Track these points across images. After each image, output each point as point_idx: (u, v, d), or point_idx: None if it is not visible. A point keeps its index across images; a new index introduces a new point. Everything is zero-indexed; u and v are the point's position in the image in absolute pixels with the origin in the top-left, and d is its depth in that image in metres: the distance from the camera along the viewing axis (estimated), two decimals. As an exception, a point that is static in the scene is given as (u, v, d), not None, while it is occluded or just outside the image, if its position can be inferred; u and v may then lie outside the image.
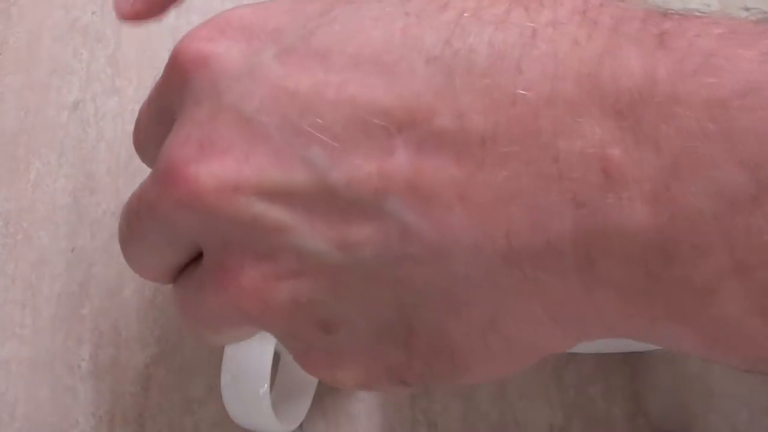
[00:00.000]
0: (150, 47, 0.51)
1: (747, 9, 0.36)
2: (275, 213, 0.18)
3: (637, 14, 0.17)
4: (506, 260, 0.16)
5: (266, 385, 0.32)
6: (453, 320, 0.18)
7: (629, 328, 0.17)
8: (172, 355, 0.42)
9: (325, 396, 0.40)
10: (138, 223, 0.22)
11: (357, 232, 0.18)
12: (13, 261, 0.45)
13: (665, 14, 0.17)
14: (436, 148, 0.17)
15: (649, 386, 0.39)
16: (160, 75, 0.22)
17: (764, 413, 0.38)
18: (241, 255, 0.19)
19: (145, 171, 0.48)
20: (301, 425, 0.39)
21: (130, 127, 0.48)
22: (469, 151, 0.16)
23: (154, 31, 0.51)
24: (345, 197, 0.17)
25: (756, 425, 0.38)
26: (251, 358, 0.32)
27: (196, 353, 0.42)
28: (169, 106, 0.21)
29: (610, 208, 0.15)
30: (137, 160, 0.47)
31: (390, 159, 0.17)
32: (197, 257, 0.21)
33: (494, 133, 0.16)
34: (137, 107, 0.49)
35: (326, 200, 0.18)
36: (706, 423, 0.38)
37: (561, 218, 0.16)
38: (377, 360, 0.19)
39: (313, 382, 0.39)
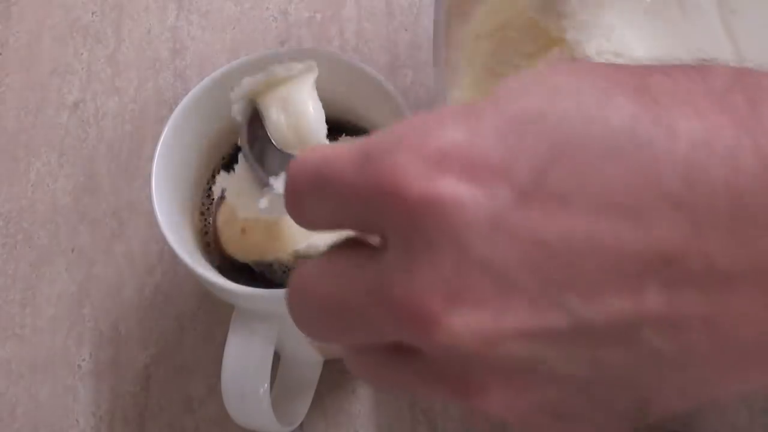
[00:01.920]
0: (150, 47, 0.51)
1: None
2: (532, 350, 0.19)
3: None
4: (735, 368, 0.20)
5: (266, 385, 0.32)
6: (680, 400, 0.21)
7: None
8: (172, 355, 0.42)
9: (325, 396, 0.40)
10: (339, 322, 0.21)
11: (609, 355, 0.19)
12: (13, 261, 0.45)
13: None
14: (686, 285, 0.18)
15: (649, 386, 0.39)
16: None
17: (764, 413, 0.38)
18: (489, 379, 0.20)
19: (145, 172, 0.48)
20: (301, 425, 0.39)
21: (130, 127, 0.48)
22: (715, 287, 0.18)
23: (154, 31, 0.51)
24: (600, 331, 0.19)
25: (756, 425, 0.38)
26: (251, 358, 0.32)
27: (196, 353, 0.42)
28: (366, 222, 0.21)
29: None
30: (137, 160, 0.47)
31: (642, 297, 0.18)
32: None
33: (737, 273, 0.18)
34: (137, 107, 0.49)
35: (582, 335, 0.19)
36: (706, 423, 0.38)
37: None
38: (603, 429, 0.22)
39: (313, 382, 0.39)
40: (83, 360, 0.42)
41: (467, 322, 0.19)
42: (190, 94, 0.35)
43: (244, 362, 0.32)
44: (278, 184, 0.31)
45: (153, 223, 0.33)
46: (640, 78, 0.20)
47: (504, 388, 0.20)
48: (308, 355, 0.39)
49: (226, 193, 0.34)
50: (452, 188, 0.19)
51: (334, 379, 0.40)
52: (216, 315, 0.42)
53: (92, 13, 0.52)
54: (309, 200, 0.21)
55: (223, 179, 0.33)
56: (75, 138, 0.48)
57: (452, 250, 0.19)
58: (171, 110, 0.36)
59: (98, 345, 0.42)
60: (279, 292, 0.31)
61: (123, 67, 0.50)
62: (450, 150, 0.19)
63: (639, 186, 0.18)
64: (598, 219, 0.18)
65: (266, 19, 0.51)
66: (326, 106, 0.38)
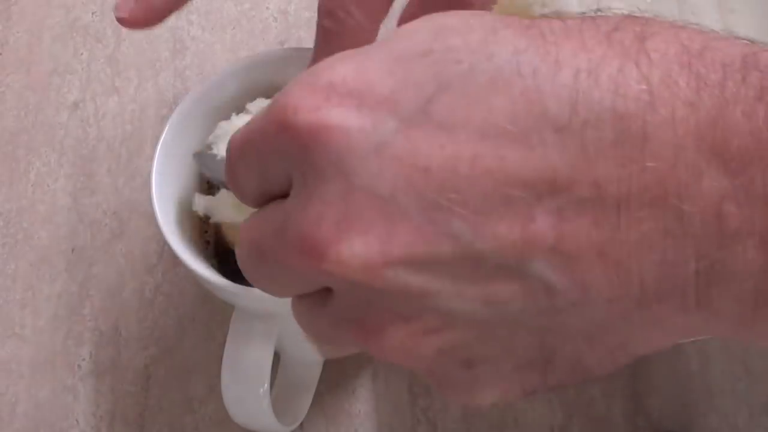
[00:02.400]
0: (150, 47, 0.51)
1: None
2: (421, 281, 0.19)
3: (735, 61, 0.18)
4: (639, 304, 0.19)
5: (266, 385, 0.32)
6: (588, 350, 0.21)
7: (728, 333, 0.20)
8: (172, 355, 0.42)
9: (325, 395, 0.40)
10: (264, 267, 0.22)
11: (502, 290, 0.19)
12: (13, 261, 0.45)
13: (758, 58, 0.18)
14: (576, 215, 0.18)
15: (649, 386, 0.39)
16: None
17: (764, 413, 0.38)
18: (385, 316, 0.20)
19: (145, 172, 0.48)
20: (301, 425, 0.39)
21: (130, 127, 0.48)
22: (606, 216, 0.18)
23: (154, 31, 0.51)
24: (490, 262, 0.19)
25: (756, 425, 0.38)
26: (251, 358, 0.32)
27: (196, 353, 0.42)
28: (279, 171, 0.21)
29: (726, 258, 0.18)
30: (137, 160, 0.47)
31: (531, 225, 0.18)
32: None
33: (628, 199, 0.18)
34: (137, 107, 0.49)
35: (471, 266, 0.19)
36: (706, 423, 0.38)
37: (685, 268, 0.18)
38: (514, 383, 0.22)
39: (313, 381, 0.39)
40: (83, 360, 0.42)
41: (354, 250, 0.19)
42: (190, 94, 0.35)
43: (244, 362, 0.32)
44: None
45: (153, 223, 0.33)
46: (530, 21, 0.20)
47: (401, 328, 0.20)
48: (308, 355, 0.39)
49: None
50: (338, 117, 0.19)
51: (334, 379, 0.40)
52: (216, 315, 0.42)
53: (92, 13, 0.52)
54: (239, 170, 0.22)
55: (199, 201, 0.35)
56: (75, 138, 0.48)
57: (338, 178, 0.19)
58: (171, 110, 0.36)
59: (98, 345, 0.42)
60: (279, 292, 0.31)
61: (123, 67, 0.50)
62: (337, 82, 0.20)
63: (523, 112, 0.18)
64: (483, 144, 0.18)
65: (266, 19, 0.51)
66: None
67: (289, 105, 0.20)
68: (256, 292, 0.32)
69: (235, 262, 0.35)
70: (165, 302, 0.43)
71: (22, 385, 0.42)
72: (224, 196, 0.34)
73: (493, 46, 0.19)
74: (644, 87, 0.18)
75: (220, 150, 0.35)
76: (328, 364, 0.40)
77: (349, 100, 0.19)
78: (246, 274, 0.23)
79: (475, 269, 0.19)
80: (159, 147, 0.34)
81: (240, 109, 0.37)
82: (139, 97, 0.49)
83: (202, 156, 0.35)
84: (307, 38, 0.50)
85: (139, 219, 0.45)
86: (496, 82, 0.19)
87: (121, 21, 0.30)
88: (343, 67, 0.20)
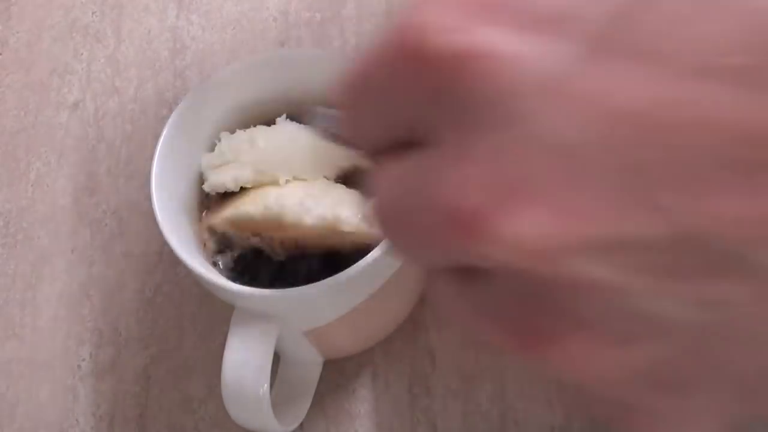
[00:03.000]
0: (150, 47, 0.51)
1: None
2: (612, 273, 0.14)
3: None
4: None
5: (266, 385, 0.32)
6: None
7: None
8: (172, 355, 0.42)
9: (325, 396, 0.40)
10: (401, 233, 0.17)
11: (720, 288, 0.14)
12: (13, 261, 0.45)
13: None
14: None
15: (649, 386, 0.39)
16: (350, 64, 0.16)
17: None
18: (559, 319, 0.15)
19: (145, 172, 0.48)
20: (301, 425, 0.39)
21: (130, 127, 0.48)
22: None
23: (154, 31, 0.51)
24: (708, 249, 0.13)
25: (756, 425, 0.38)
26: (251, 358, 0.32)
27: (195, 353, 0.42)
28: (414, 113, 0.16)
29: None
30: (137, 160, 0.47)
31: (762, 201, 0.13)
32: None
33: None
34: (137, 107, 0.49)
35: (681, 253, 0.14)
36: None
37: None
38: (730, 413, 0.16)
39: (313, 381, 0.39)
40: (83, 360, 0.42)
41: (520, 227, 0.14)
42: (190, 94, 0.35)
43: (244, 362, 0.32)
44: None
45: (153, 223, 0.33)
46: None
47: (582, 337, 0.15)
48: (308, 355, 0.39)
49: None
50: (495, 39, 0.14)
51: (334, 379, 0.40)
52: (216, 315, 0.42)
53: (92, 13, 0.52)
54: (358, 114, 0.17)
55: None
56: (75, 138, 0.48)
57: (500, 125, 0.14)
58: (171, 110, 0.36)
59: (98, 345, 0.42)
60: (279, 292, 0.31)
61: (123, 67, 0.50)
62: None
63: (758, 43, 0.13)
64: (704, 88, 0.13)
65: (266, 19, 0.51)
66: (326, 106, 0.38)
67: (425, 24, 0.14)
68: (256, 292, 0.32)
69: (238, 263, 0.35)
70: (165, 302, 0.43)
71: (22, 385, 0.42)
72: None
73: None
74: None
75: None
76: (328, 364, 0.40)
77: (508, 15, 0.14)
78: (385, 236, 0.17)
79: (687, 258, 0.14)
80: (159, 147, 0.34)
81: (240, 109, 0.37)
82: (139, 97, 0.49)
83: (315, 113, 0.32)
84: (307, 38, 0.50)
85: (139, 219, 0.45)
86: None
87: None
88: None
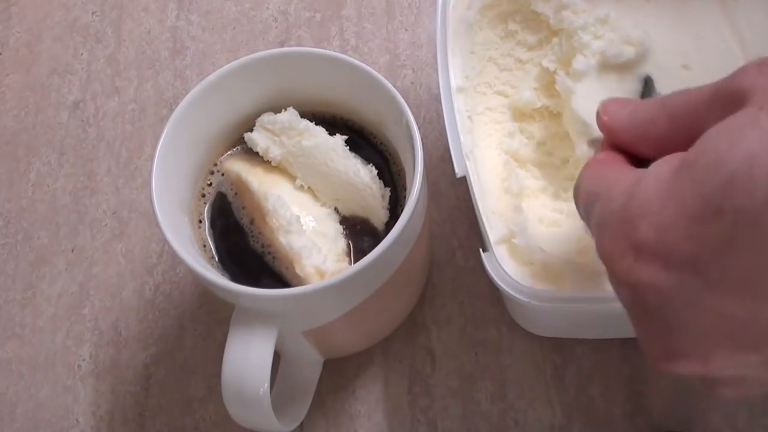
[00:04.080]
0: (150, 47, 0.51)
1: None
2: None
3: None
4: None
5: (266, 385, 0.32)
6: None
7: None
8: (172, 355, 0.42)
9: (325, 396, 0.40)
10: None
11: None
12: (13, 261, 0.45)
13: None
14: None
15: (649, 386, 0.39)
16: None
17: (764, 413, 0.38)
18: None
19: (145, 172, 0.48)
20: (301, 425, 0.39)
21: (130, 127, 0.48)
22: None
23: (154, 31, 0.51)
24: None
25: (756, 425, 0.38)
26: (251, 358, 0.32)
27: (196, 353, 0.42)
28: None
29: None
30: (137, 160, 0.47)
31: None
32: None
33: None
34: (137, 107, 0.49)
35: None
36: (706, 423, 0.38)
37: None
38: None
39: (313, 381, 0.39)
40: (83, 360, 0.42)
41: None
42: (190, 94, 0.35)
43: (244, 362, 0.32)
44: None
45: (153, 223, 0.33)
46: None
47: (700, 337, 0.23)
48: (308, 355, 0.39)
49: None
50: (648, 275, 0.22)
51: (334, 379, 0.40)
52: (216, 315, 0.42)
53: (92, 13, 0.52)
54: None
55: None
56: (75, 138, 0.48)
57: (661, 333, 0.23)
58: (171, 110, 0.36)
59: (98, 345, 0.42)
60: (279, 292, 0.31)
61: (123, 67, 0.50)
62: (646, 242, 0.22)
63: None
64: None
65: (266, 19, 0.51)
66: (326, 106, 0.38)
67: (611, 253, 0.23)
68: (256, 292, 0.32)
69: (237, 256, 0.35)
70: (165, 302, 0.43)
71: (22, 385, 0.42)
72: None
73: None
74: None
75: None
76: (328, 364, 0.40)
77: (656, 259, 0.22)
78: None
79: None
80: (159, 147, 0.34)
81: (240, 109, 0.37)
82: (139, 97, 0.49)
83: None
84: (307, 38, 0.50)
85: (139, 219, 0.45)
86: None
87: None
88: (644, 225, 0.22)
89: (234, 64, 0.36)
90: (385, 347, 0.41)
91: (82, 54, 0.51)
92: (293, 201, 0.35)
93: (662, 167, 0.23)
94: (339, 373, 0.40)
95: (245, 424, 0.34)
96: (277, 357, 0.33)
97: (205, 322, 0.42)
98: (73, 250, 0.45)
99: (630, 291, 0.23)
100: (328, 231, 0.35)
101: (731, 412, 0.38)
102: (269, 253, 0.35)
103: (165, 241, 0.33)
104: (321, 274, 0.34)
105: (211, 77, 0.36)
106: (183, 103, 0.35)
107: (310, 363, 0.39)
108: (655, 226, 0.22)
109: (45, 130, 0.49)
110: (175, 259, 0.41)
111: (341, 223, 0.36)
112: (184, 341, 0.42)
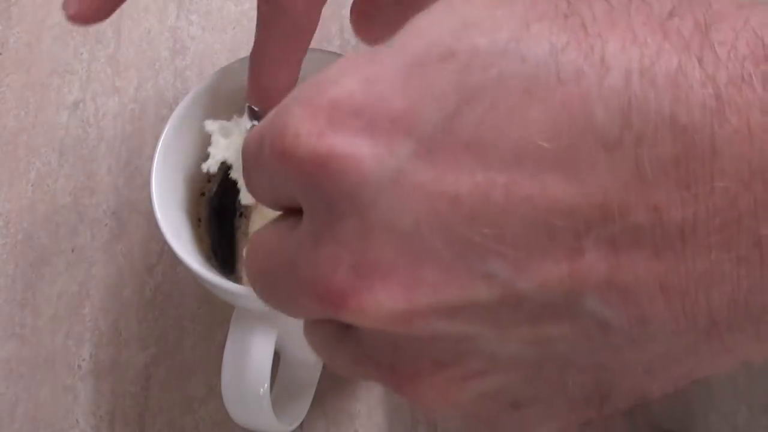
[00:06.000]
0: (150, 47, 0.51)
1: None
2: (456, 327, 0.17)
3: None
4: (708, 336, 0.17)
5: (266, 385, 0.32)
6: (649, 381, 0.19)
7: None
8: (172, 355, 0.42)
9: (325, 396, 0.40)
10: (275, 294, 0.20)
11: (550, 330, 0.17)
12: (13, 261, 0.45)
13: None
14: (632, 244, 0.16)
15: (649, 386, 0.39)
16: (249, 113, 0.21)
17: (764, 412, 0.38)
18: (418, 362, 0.18)
19: (145, 172, 0.48)
20: (301, 425, 0.39)
21: (130, 127, 0.48)
22: (669, 245, 0.16)
23: (154, 31, 0.51)
24: (535, 302, 0.16)
25: (756, 424, 0.38)
26: (251, 358, 0.32)
27: (196, 353, 0.42)
28: (287, 192, 0.19)
29: None
30: (137, 160, 0.47)
31: (581, 259, 0.16)
32: None
33: (694, 224, 0.15)
34: (137, 107, 0.49)
35: (513, 307, 0.17)
36: (706, 422, 0.38)
37: (762, 296, 0.16)
38: (569, 421, 0.20)
39: (313, 381, 0.39)
40: (83, 360, 0.42)
41: (376, 300, 0.17)
42: (190, 94, 0.35)
43: (244, 362, 0.32)
44: None
45: (153, 223, 0.33)
46: (568, 3, 0.17)
47: (437, 375, 0.18)
48: (308, 355, 0.39)
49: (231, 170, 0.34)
50: (346, 143, 0.17)
51: (334, 379, 0.40)
52: (216, 315, 0.42)
53: (92, 13, 0.52)
54: (251, 176, 0.20)
55: (217, 148, 0.34)
56: (75, 138, 0.48)
57: (352, 213, 0.17)
58: (171, 110, 0.36)
59: (98, 345, 0.42)
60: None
61: (123, 67, 0.50)
62: (343, 101, 0.17)
63: (566, 129, 0.16)
64: (519, 167, 0.16)
65: (266, 19, 0.51)
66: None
67: (289, 128, 0.17)
68: (256, 292, 0.32)
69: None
70: (165, 302, 0.43)
71: (22, 385, 0.42)
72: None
73: (525, 45, 0.16)
74: (710, 91, 0.15)
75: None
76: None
77: (358, 120, 0.17)
78: (255, 291, 0.21)
79: (518, 310, 0.17)
80: (159, 147, 0.34)
81: (240, 109, 0.37)
82: (139, 97, 0.49)
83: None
84: (307, 38, 0.50)
85: (139, 219, 0.45)
86: (531, 90, 0.16)
87: (70, 18, 0.29)
88: (348, 79, 0.17)
89: (234, 64, 0.36)
90: (385, 347, 0.41)
91: (82, 54, 0.51)
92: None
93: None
94: (339, 374, 0.40)
95: (245, 424, 0.34)
96: (277, 357, 0.33)
97: (205, 322, 0.42)
98: (73, 250, 0.45)
99: (311, 173, 0.17)
100: None
101: (731, 412, 0.38)
102: None
103: (165, 241, 0.33)
104: None
105: (211, 77, 0.36)
106: (183, 103, 0.35)
107: (310, 363, 0.39)
108: (361, 76, 0.17)
109: (45, 130, 0.49)
110: (175, 259, 0.40)
111: None
112: (184, 341, 0.42)
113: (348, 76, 0.17)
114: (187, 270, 0.33)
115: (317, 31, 0.51)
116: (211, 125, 0.33)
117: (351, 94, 0.17)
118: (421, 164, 0.16)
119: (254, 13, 0.52)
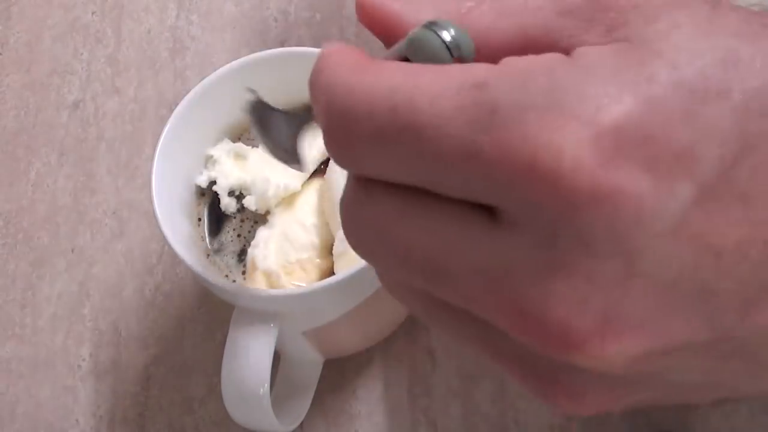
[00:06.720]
0: (150, 47, 0.51)
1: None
2: (663, 364, 0.17)
3: None
4: None
5: (266, 385, 0.32)
6: None
7: None
8: (172, 355, 0.42)
9: (325, 396, 0.40)
10: (447, 315, 0.18)
11: (726, 366, 0.17)
12: (13, 261, 0.45)
13: None
14: None
15: (649, 386, 0.39)
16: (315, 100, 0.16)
17: (764, 412, 0.38)
18: (590, 384, 0.17)
19: (145, 172, 0.48)
20: (301, 425, 0.39)
21: (130, 127, 0.48)
22: None
23: (154, 31, 0.51)
24: (739, 343, 0.16)
25: (756, 424, 0.38)
26: (251, 358, 0.32)
27: (196, 353, 0.42)
28: (479, 195, 0.16)
29: None
30: (137, 160, 0.47)
31: None
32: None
33: None
34: (137, 107, 0.49)
35: (718, 345, 0.16)
36: (706, 422, 0.38)
37: None
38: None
39: (313, 381, 0.39)
40: (83, 360, 0.42)
41: (621, 349, 0.15)
42: (190, 94, 0.35)
43: (244, 362, 0.32)
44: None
45: (153, 223, 0.33)
46: None
47: (603, 395, 0.17)
48: (308, 355, 0.39)
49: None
50: (627, 180, 0.14)
51: (334, 379, 0.40)
52: (216, 315, 0.42)
53: (92, 13, 0.52)
54: (373, 149, 0.16)
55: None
56: (75, 138, 0.48)
57: (616, 257, 0.15)
58: (171, 110, 0.36)
59: (98, 345, 0.42)
60: (279, 292, 0.31)
61: (123, 67, 0.50)
62: (629, 126, 0.14)
63: None
64: None
65: (266, 19, 0.51)
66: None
67: (566, 153, 0.14)
68: (256, 292, 0.32)
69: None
70: (165, 302, 0.43)
71: (22, 385, 0.42)
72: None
73: None
74: None
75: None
76: (328, 364, 0.40)
77: (640, 152, 0.14)
78: (362, 251, 0.18)
79: (718, 347, 0.16)
80: (159, 147, 0.34)
81: (240, 109, 0.37)
82: (139, 97, 0.49)
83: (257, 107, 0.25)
84: (307, 38, 0.50)
85: (139, 219, 0.45)
86: None
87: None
88: (630, 98, 0.15)
89: (234, 64, 0.36)
90: (385, 347, 0.41)
91: (82, 54, 0.51)
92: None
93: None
94: (339, 373, 0.40)
95: (245, 424, 0.34)
96: (277, 357, 0.33)
97: (205, 322, 0.42)
98: (73, 250, 0.45)
99: (577, 205, 0.15)
100: (300, 237, 0.35)
101: (731, 412, 0.38)
102: None
103: (165, 241, 0.33)
104: (267, 274, 0.34)
105: (211, 77, 0.36)
106: (183, 103, 0.35)
107: (310, 363, 0.39)
108: (641, 97, 0.15)
109: (45, 130, 0.49)
110: (175, 259, 0.41)
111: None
112: (184, 341, 0.42)
113: (628, 93, 0.15)
114: (187, 270, 0.33)
115: (317, 31, 0.51)
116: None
117: (636, 118, 0.15)
118: (699, 213, 0.15)
119: (254, 13, 0.52)
